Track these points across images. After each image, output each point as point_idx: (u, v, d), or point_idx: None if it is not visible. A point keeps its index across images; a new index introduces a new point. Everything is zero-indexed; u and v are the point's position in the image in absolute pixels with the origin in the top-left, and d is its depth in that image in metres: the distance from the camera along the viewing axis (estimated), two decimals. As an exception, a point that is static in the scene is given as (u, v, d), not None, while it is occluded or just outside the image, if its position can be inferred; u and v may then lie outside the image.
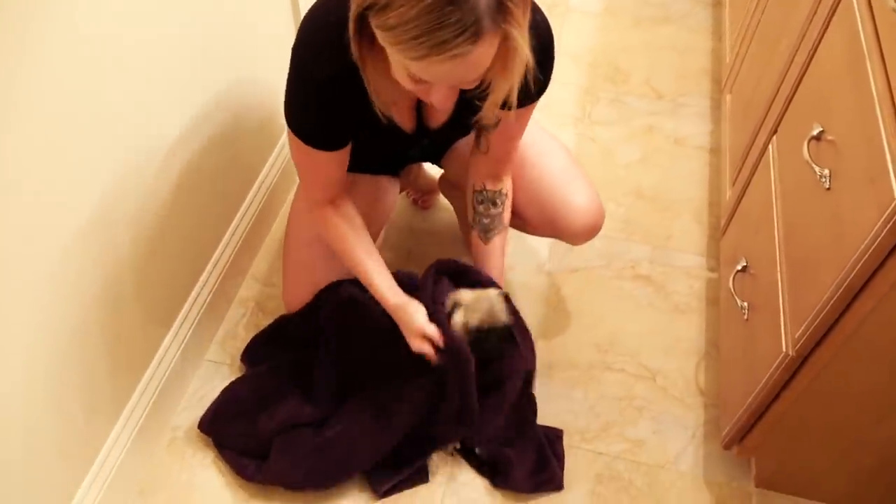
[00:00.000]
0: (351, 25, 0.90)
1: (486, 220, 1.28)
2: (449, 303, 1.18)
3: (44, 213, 0.93)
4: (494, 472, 1.28)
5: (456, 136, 1.27)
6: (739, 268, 1.28)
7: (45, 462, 1.04)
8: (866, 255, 0.84)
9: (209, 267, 1.40)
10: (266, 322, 1.46)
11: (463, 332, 1.16)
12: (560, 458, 1.30)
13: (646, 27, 2.25)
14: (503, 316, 1.20)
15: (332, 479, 1.25)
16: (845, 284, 0.88)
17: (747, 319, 1.21)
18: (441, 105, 0.95)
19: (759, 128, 1.40)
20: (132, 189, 1.11)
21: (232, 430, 1.28)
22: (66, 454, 1.08)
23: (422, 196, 1.69)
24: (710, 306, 1.55)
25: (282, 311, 1.48)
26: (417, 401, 1.23)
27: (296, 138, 1.09)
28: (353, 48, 0.93)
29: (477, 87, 0.97)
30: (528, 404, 1.33)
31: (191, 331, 1.34)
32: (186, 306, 1.34)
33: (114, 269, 1.10)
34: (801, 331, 0.97)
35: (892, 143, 0.83)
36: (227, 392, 1.32)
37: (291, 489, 1.24)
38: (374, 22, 0.85)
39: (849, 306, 0.90)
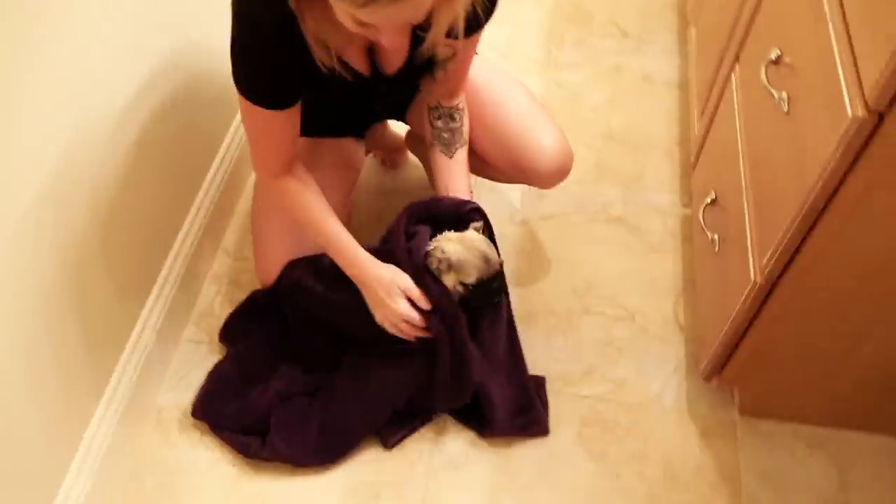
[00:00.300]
0: None
1: (446, 135, 1.25)
2: (433, 262, 1.12)
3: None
4: (478, 417, 1.28)
5: (413, 81, 1.24)
6: (709, 201, 1.27)
7: (30, 450, 1.03)
8: (825, 175, 0.83)
9: (177, 244, 1.38)
10: (241, 297, 1.45)
11: (458, 292, 1.14)
12: (545, 405, 1.31)
13: (606, -36, 2.20)
14: (496, 256, 1.16)
15: (337, 455, 1.25)
16: (807, 207, 0.88)
17: (718, 251, 1.20)
18: (392, 45, 0.94)
19: (723, 57, 1.38)
20: (84, 161, 1.08)
21: (226, 410, 1.28)
22: (50, 441, 1.08)
23: (389, 155, 1.67)
24: (686, 243, 1.55)
25: (256, 285, 1.47)
26: (412, 368, 1.22)
27: (246, 102, 1.07)
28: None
29: (426, 23, 0.95)
30: (512, 342, 1.31)
31: (165, 310, 1.33)
32: (157, 286, 1.33)
33: (73, 248, 1.08)
34: (766, 257, 0.97)
35: (844, 62, 0.82)
36: (213, 374, 1.32)
37: (299, 466, 1.24)
38: None
39: (811, 229, 0.90)
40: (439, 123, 1.25)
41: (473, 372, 1.21)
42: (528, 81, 1.85)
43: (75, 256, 1.09)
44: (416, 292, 1.13)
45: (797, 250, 0.93)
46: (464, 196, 1.25)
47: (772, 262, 0.96)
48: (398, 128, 1.60)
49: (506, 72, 1.37)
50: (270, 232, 1.32)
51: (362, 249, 1.17)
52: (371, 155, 1.68)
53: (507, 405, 1.27)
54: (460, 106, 1.25)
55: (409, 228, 1.19)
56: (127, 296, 1.25)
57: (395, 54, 1.13)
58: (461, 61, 1.18)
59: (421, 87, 1.26)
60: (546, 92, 1.85)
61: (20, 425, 1.01)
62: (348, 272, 1.17)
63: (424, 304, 1.13)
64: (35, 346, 1.02)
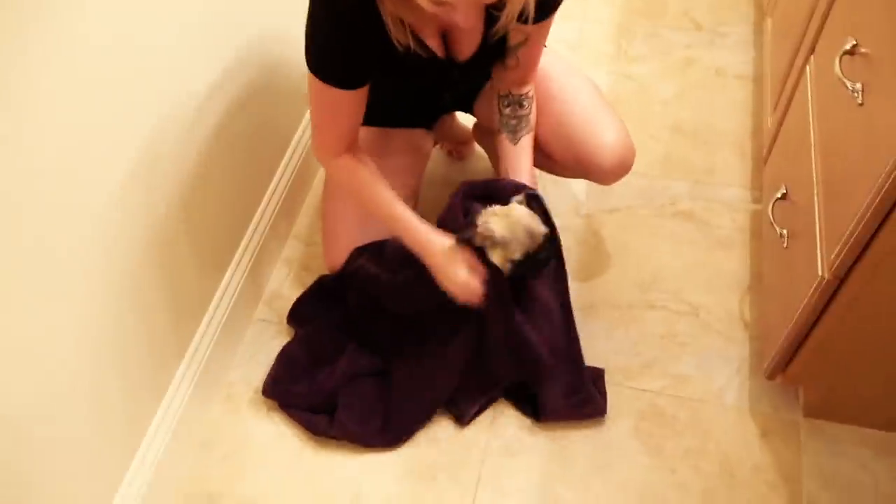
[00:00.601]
0: None
1: (513, 122, 1.27)
2: (478, 239, 1.13)
3: (82, 172, 0.97)
4: (533, 401, 1.29)
5: (485, 68, 1.25)
6: (779, 195, 1.24)
7: (115, 412, 1.11)
8: (898, 168, 0.81)
9: (251, 227, 1.45)
10: (311, 281, 1.50)
11: (507, 267, 1.15)
12: (602, 395, 1.31)
13: (682, -44, 2.16)
14: (541, 228, 1.16)
15: (402, 436, 1.29)
16: (878, 200, 0.85)
17: (787, 247, 1.18)
18: (467, 24, 0.96)
19: (798, 49, 1.34)
20: (166, 148, 1.14)
21: (295, 389, 1.33)
22: (130, 406, 1.15)
23: (456, 147, 1.69)
24: (755, 239, 1.52)
25: (324, 270, 1.52)
26: (467, 342, 1.25)
27: (315, 80, 1.09)
28: None
29: (500, 2, 0.97)
30: (567, 324, 1.30)
31: (238, 289, 1.40)
32: (232, 266, 1.39)
33: (159, 227, 1.15)
34: (835, 252, 0.94)
35: (921, 49, 0.79)
36: (282, 356, 1.37)
37: (365, 446, 1.28)
38: None
39: (883, 222, 0.87)
40: (507, 111, 1.27)
41: (526, 343, 1.22)
42: (596, 74, 1.85)
43: (160, 236, 1.16)
44: (473, 261, 1.15)
45: (867, 245, 0.91)
46: (524, 180, 1.26)
47: (840, 256, 0.94)
48: (465, 120, 1.63)
49: (573, 65, 1.37)
50: (338, 218, 1.36)
51: (421, 221, 1.19)
52: (438, 146, 1.70)
53: (562, 387, 1.27)
54: (530, 94, 1.26)
55: (466, 204, 1.22)
56: (204, 274, 1.32)
57: (468, 38, 1.15)
58: (532, 48, 1.19)
59: (493, 75, 1.28)
60: (615, 85, 1.84)
61: (104, 392, 1.08)
62: (408, 242, 1.19)
63: (480, 273, 1.15)
64: (123, 315, 1.10)
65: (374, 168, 1.21)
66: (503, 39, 1.16)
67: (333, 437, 1.29)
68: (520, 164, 1.28)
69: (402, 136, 1.39)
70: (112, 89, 1.00)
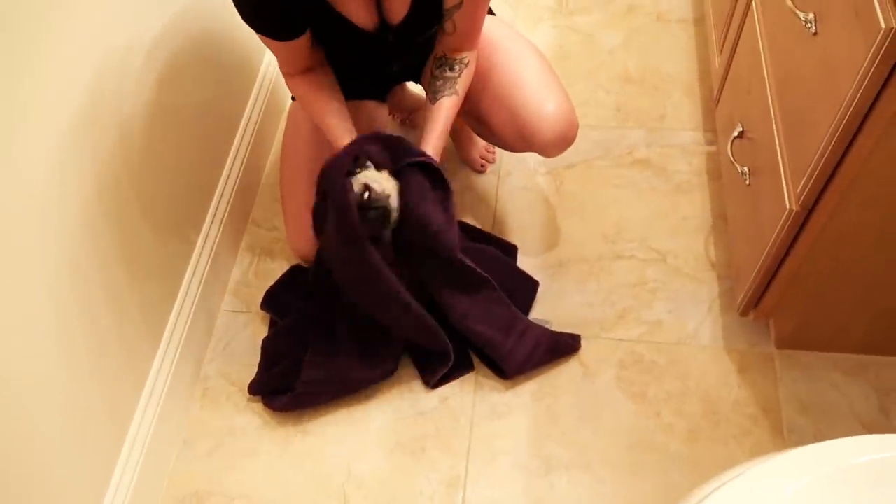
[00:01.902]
0: None
1: (438, 83, 1.24)
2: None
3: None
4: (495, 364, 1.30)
5: (421, 31, 1.23)
6: (736, 134, 1.26)
7: (89, 418, 1.06)
8: (859, 93, 0.82)
9: (208, 217, 1.40)
10: (275, 266, 1.47)
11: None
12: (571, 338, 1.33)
13: None
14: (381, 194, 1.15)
15: (354, 384, 1.29)
16: (841, 127, 0.86)
17: (749, 184, 1.19)
18: None
19: (740, -13, 1.35)
20: (117, 136, 1.09)
21: (277, 378, 1.30)
22: (106, 409, 1.11)
23: (409, 115, 1.67)
24: (713, 180, 1.54)
25: (288, 252, 1.49)
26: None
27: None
28: None
29: None
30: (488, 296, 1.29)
31: (202, 282, 1.35)
32: (193, 259, 1.35)
33: (114, 226, 1.10)
34: (802, 183, 0.96)
35: (874, -28, 0.79)
36: (267, 350, 1.34)
37: (320, 402, 1.29)
38: None
39: (847, 149, 0.89)
40: (437, 72, 1.24)
41: (473, 334, 1.26)
42: (540, 29, 1.84)
43: (119, 233, 1.11)
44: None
45: (833, 173, 0.92)
46: (430, 141, 1.22)
47: (807, 187, 0.95)
48: (418, 89, 1.60)
49: (518, 34, 1.34)
50: (297, 199, 1.33)
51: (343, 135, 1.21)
52: (391, 116, 1.67)
53: (524, 349, 1.28)
54: (464, 60, 1.23)
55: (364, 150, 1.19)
56: (167, 270, 1.27)
57: (398, 1, 1.13)
58: (469, 13, 1.16)
59: (435, 47, 1.25)
60: (560, 38, 1.83)
61: (78, 399, 1.04)
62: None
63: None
64: (94, 318, 1.05)
65: (327, 84, 1.23)
66: (438, 2, 1.13)
67: (302, 400, 1.27)
68: (431, 124, 1.24)
69: (354, 109, 1.36)
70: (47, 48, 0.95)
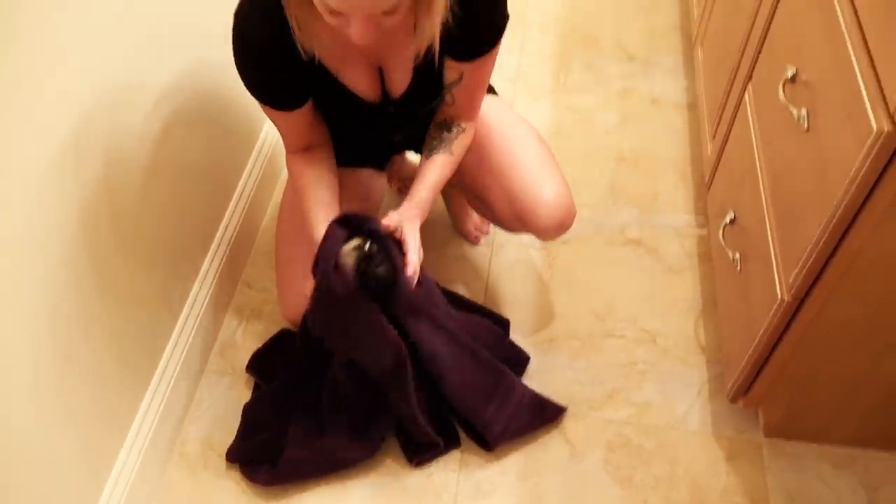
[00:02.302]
0: None
1: (434, 142, 1.24)
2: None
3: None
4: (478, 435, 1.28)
5: (423, 105, 1.24)
6: (728, 220, 1.27)
7: (62, 480, 1.03)
8: (851, 190, 0.83)
9: (200, 275, 1.39)
10: (263, 327, 1.45)
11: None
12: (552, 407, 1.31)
13: (611, -10, 2.24)
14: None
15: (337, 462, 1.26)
16: (833, 222, 0.88)
17: (740, 270, 1.20)
18: (361, 40, 0.94)
19: (734, 77, 1.39)
20: (112, 188, 1.09)
21: (258, 449, 1.27)
22: (81, 470, 1.08)
23: (405, 184, 1.68)
24: (704, 263, 1.55)
25: (277, 315, 1.47)
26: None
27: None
28: None
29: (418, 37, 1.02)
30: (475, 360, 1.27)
31: (189, 341, 1.33)
32: (182, 317, 1.33)
33: (101, 286, 1.09)
34: (794, 275, 0.97)
35: (865, 75, 0.82)
36: (248, 416, 1.31)
37: (303, 479, 1.25)
38: None
39: (838, 244, 0.90)
40: (434, 132, 1.25)
41: (455, 399, 1.24)
42: (539, 106, 1.88)
43: (107, 290, 1.09)
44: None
45: (824, 267, 0.93)
46: (416, 195, 1.21)
47: (799, 279, 0.96)
48: (416, 158, 1.61)
49: (519, 116, 1.36)
50: (293, 264, 1.32)
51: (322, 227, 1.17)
52: (388, 184, 1.69)
53: (507, 412, 1.26)
54: (462, 125, 1.24)
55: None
56: (153, 328, 1.25)
57: (400, 73, 1.15)
58: (468, 88, 1.18)
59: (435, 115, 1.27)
60: (557, 116, 1.87)
61: (52, 454, 1.00)
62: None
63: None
64: (72, 373, 1.03)
65: (326, 168, 1.23)
66: (438, 77, 1.16)
67: (284, 477, 1.24)
68: (421, 177, 1.23)
69: (351, 177, 1.37)
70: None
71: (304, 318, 1.24)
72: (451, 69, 1.15)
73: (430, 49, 1.07)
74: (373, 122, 1.25)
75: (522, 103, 1.90)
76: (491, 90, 1.37)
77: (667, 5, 2.17)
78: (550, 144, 1.35)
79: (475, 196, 1.35)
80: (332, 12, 0.92)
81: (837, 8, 0.91)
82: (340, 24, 0.94)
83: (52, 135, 0.96)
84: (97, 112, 1.05)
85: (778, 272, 1.02)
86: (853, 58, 0.85)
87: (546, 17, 2.13)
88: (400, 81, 1.16)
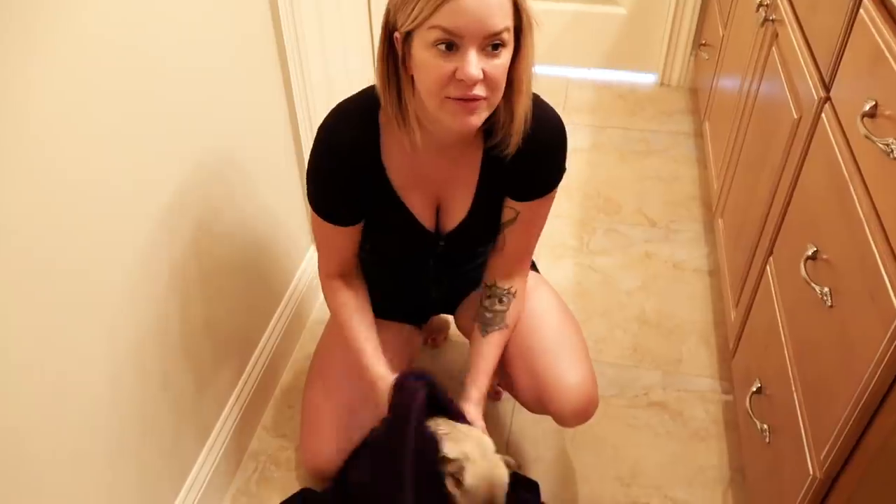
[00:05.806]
0: (379, 48, 1.00)
1: (488, 315, 1.26)
2: (447, 468, 1.09)
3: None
4: None
5: (471, 243, 1.28)
6: (754, 389, 1.27)
7: None
8: (879, 371, 0.84)
9: (220, 421, 1.39)
10: (279, 476, 1.43)
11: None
12: None
13: (632, 160, 2.36)
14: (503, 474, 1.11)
15: None
16: (862, 402, 0.88)
17: (769, 442, 1.19)
18: (471, 73, 0.93)
19: (755, 250, 1.43)
20: (142, 338, 1.12)
21: None
22: None
23: (432, 335, 1.71)
24: (730, 430, 1.53)
25: (294, 463, 1.45)
26: None
27: (314, 214, 1.17)
28: (380, 68, 1.02)
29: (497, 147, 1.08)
30: None
31: (202, 488, 1.31)
32: (198, 463, 1.32)
33: (123, 425, 1.10)
34: (825, 452, 0.95)
35: (886, 262, 0.85)
36: None
37: None
38: (399, 19, 0.95)
39: (870, 423, 0.89)
40: (486, 302, 1.27)
41: None
42: (561, 266, 1.94)
43: (126, 433, 1.10)
44: None
45: (856, 445, 0.92)
46: (478, 379, 1.23)
47: (830, 456, 0.94)
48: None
49: (557, 298, 1.37)
50: (321, 410, 1.32)
51: (378, 363, 1.20)
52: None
53: None
54: (512, 290, 1.26)
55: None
56: (169, 471, 1.24)
57: (458, 206, 1.19)
58: (521, 231, 1.22)
59: (486, 270, 1.29)
60: (581, 275, 1.92)
61: None
62: (364, 377, 1.21)
63: None
64: None
65: (361, 296, 1.26)
66: (492, 214, 1.20)
67: None
68: (481, 361, 1.24)
69: (393, 327, 1.39)
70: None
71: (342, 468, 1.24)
72: (508, 209, 1.19)
73: (492, 185, 1.12)
74: (418, 262, 1.29)
75: (546, 263, 1.96)
76: (533, 266, 1.39)
77: (687, 177, 2.28)
78: (572, 304, 1.38)
79: (501, 367, 1.33)
80: (445, 54, 0.93)
81: (854, 195, 0.96)
82: (449, 67, 0.94)
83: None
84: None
85: (808, 448, 1.01)
86: (872, 243, 0.89)
87: (569, 181, 2.23)
88: (455, 216, 1.20)
